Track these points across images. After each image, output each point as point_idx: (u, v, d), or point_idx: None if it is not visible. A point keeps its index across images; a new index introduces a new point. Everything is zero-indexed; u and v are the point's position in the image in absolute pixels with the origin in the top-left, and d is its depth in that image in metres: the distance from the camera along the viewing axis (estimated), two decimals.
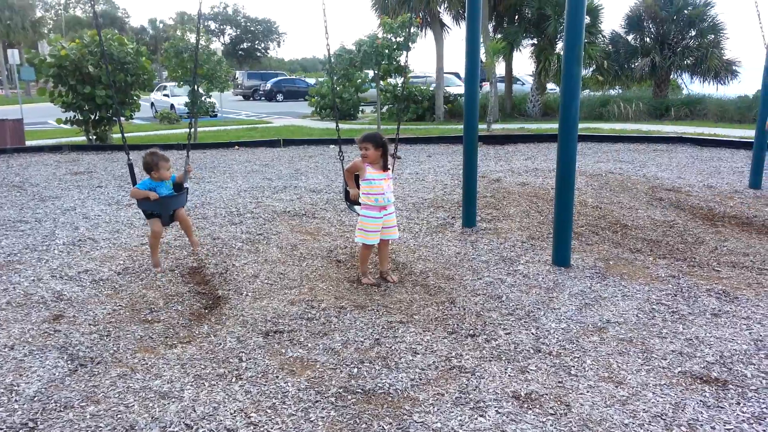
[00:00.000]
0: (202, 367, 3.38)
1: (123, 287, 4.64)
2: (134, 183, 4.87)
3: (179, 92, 22.79)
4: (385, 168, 4.60)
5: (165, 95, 25.42)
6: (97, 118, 12.83)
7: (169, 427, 2.79)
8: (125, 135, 4.98)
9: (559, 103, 4.88)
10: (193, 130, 5.16)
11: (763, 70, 7.86)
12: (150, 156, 4.75)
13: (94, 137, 13.09)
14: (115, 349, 3.63)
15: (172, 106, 23.52)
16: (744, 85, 19.39)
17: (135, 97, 13.25)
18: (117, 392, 3.11)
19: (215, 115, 21.93)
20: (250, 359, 3.47)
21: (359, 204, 4.75)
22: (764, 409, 2.92)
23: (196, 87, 14.06)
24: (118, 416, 2.89)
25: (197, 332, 3.88)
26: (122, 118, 13.43)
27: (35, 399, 3.04)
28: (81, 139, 13.43)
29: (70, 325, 3.93)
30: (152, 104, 25.97)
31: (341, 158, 5.27)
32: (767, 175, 8.45)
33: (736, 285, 4.59)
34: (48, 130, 17.29)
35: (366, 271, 4.77)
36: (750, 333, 3.74)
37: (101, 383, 3.20)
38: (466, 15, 6.00)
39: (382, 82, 17.33)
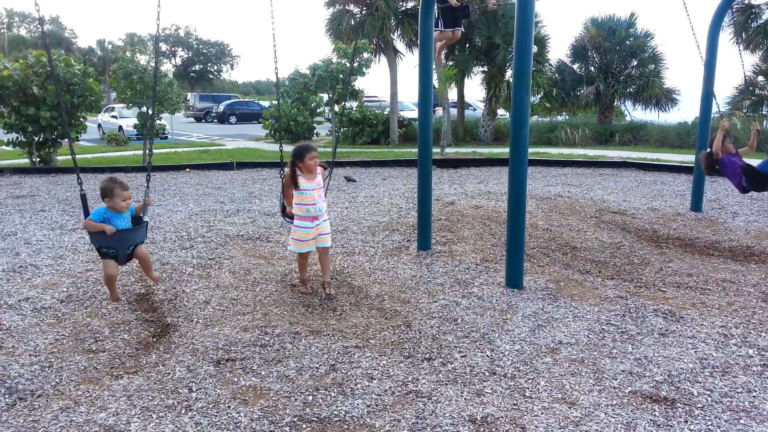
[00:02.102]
0: (150, 398, 3.26)
1: (66, 315, 4.45)
2: (87, 214, 4.32)
3: (128, 114, 22.29)
4: (294, 182, 4.73)
5: (113, 116, 24.84)
6: (41, 140, 12.41)
7: None
8: (75, 158, 4.55)
9: (510, 129, 5.00)
10: (149, 153, 4.87)
11: (700, 98, 8.26)
12: (109, 182, 4.29)
13: (38, 159, 12.63)
14: (57, 380, 3.46)
15: (120, 127, 22.99)
16: (683, 113, 20.37)
17: (82, 119, 12.89)
18: (59, 426, 2.96)
19: (165, 137, 21.55)
20: (200, 389, 3.36)
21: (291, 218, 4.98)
22: (710, 426, 3.00)
23: (153, 111, 13.81)
24: None
25: (145, 362, 3.74)
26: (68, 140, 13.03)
27: None
28: (24, 161, 12.94)
29: (9, 356, 3.74)
30: (99, 125, 25.32)
31: (282, 176, 5.15)
32: (707, 198, 8.83)
33: (681, 305, 4.74)
34: None
35: (304, 279, 5.01)
36: (695, 351, 3.86)
37: (42, 417, 3.04)
38: (419, 42, 6.11)
39: (336, 106, 17.41)
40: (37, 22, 62.24)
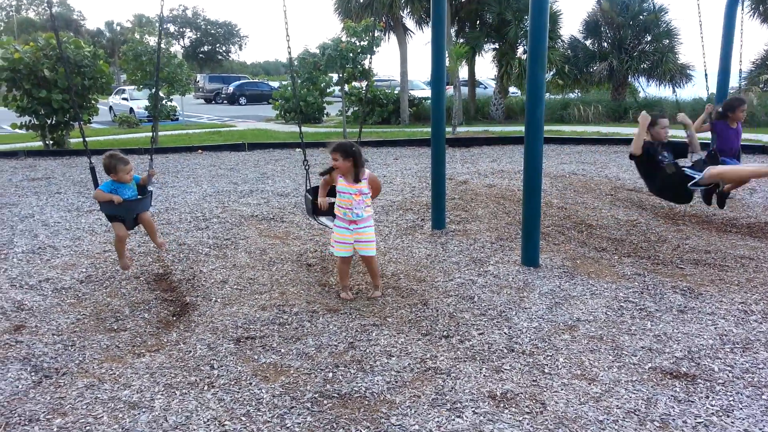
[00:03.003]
0: (173, 375, 3.30)
1: (86, 295, 4.50)
2: (96, 186, 4.68)
3: (138, 96, 22.31)
4: (357, 180, 4.27)
5: (124, 99, 24.86)
6: (53, 122, 12.45)
7: None
8: (86, 140, 4.78)
9: (525, 107, 4.94)
10: (155, 133, 5.02)
11: (717, 74, 8.13)
12: (108, 158, 4.58)
13: (51, 142, 12.70)
14: (80, 359, 3.51)
15: (131, 109, 23.02)
16: (698, 88, 20.03)
17: (93, 101, 12.91)
18: (85, 403, 3.01)
19: (176, 119, 21.56)
20: (222, 366, 3.40)
21: (325, 215, 4.66)
22: (732, 402, 3.00)
23: (156, 90, 13.81)
24: (87, 428, 2.79)
25: (166, 340, 3.79)
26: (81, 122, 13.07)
27: None
28: (37, 144, 13.01)
29: (33, 336, 3.79)
30: (111, 108, 25.36)
31: (306, 167, 5.04)
32: None
33: (700, 281, 4.72)
34: (1, 135, 16.69)
35: (345, 285, 4.51)
36: (715, 328, 3.84)
37: (68, 394, 3.09)
38: (431, 19, 6.03)
39: (346, 86, 17.30)
40: (45, 5, 62.23)
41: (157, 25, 4.65)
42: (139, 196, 4.75)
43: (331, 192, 4.56)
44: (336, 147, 4.27)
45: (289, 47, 5.30)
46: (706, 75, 7.36)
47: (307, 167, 5.05)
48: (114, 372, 3.34)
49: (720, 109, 6.66)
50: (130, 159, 4.70)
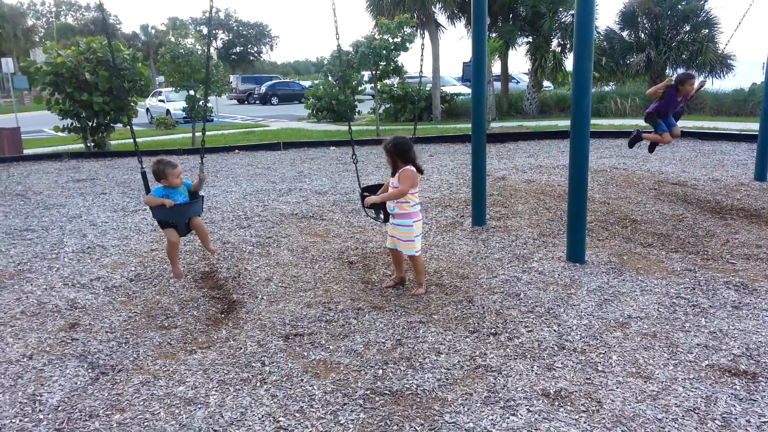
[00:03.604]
0: (225, 372, 3.35)
1: (136, 294, 4.60)
2: (147, 191, 4.58)
3: (174, 97, 22.71)
4: (392, 174, 4.38)
5: (160, 101, 25.33)
6: (94, 125, 12.76)
7: None
8: (136, 141, 4.80)
9: (571, 100, 4.86)
10: (202, 135, 5.04)
11: (766, 64, 7.88)
12: (157, 164, 4.48)
13: (93, 144, 13.01)
14: (134, 356, 3.59)
15: (168, 111, 23.43)
16: (739, 79, 19.46)
17: (133, 103, 13.19)
18: (141, 400, 3.07)
19: (211, 120, 21.87)
20: (272, 363, 3.43)
21: (376, 212, 4.69)
22: None
23: (193, 92, 14.01)
24: (145, 424, 2.85)
25: (216, 337, 3.84)
26: (121, 125, 13.35)
27: (59, 409, 2.99)
28: (79, 146, 13.35)
29: (87, 333, 3.89)
30: (147, 110, 25.87)
31: (355, 161, 5.17)
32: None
33: (753, 277, 4.58)
34: (44, 138, 17.18)
35: (396, 275, 4.65)
36: None
37: (125, 391, 3.16)
38: (472, 10, 5.97)
39: (379, 84, 17.29)
40: (81, 11, 63.74)
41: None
42: (190, 201, 4.63)
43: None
44: (384, 146, 4.40)
45: (339, 44, 5.30)
46: None
47: (355, 161, 5.16)
48: (168, 368, 3.41)
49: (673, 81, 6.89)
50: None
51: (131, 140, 4.75)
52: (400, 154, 4.30)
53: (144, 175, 4.56)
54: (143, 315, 4.21)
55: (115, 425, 2.85)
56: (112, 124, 12.95)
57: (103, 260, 5.37)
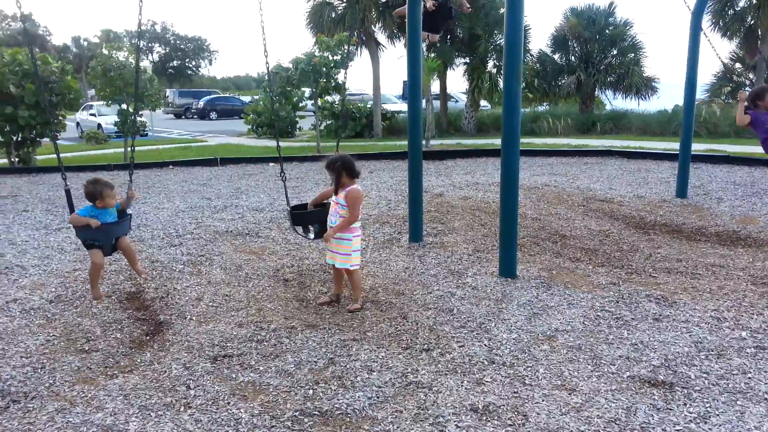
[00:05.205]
0: (147, 396, 3.21)
1: (56, 316, 4.37)
2: (72, 210, 4.39)
3: (107, 111, 21.97)
4: (335, 191, 4.41)
5: (92, 114, 24.44)
6: (19, 139, 12.18)
7: None
8: (60, 157, 4.56)
9: (502, 118, 4.99)
10: (131, 150, 4.88)
11: (684, 86, 8.33)
12: (93, 185, 4.31)
13: (17, 159, 12.40)
14: (51, 381, 3.40)
15: (99, 125, 22.64)
16: (663, 100, 20.55)
17: (61, 117, 12.67)
18: (55, 428, 2.91)
19: (145, 135, 21.26)
20: (198, 386, 3.32)
21: (304, 229, 4.78)
22: (708, 409, 3.04)
23: (126, 106, 13.58)
24: None
25: (140, 360, 3.69)
26: (47, 139, 12.79)
27: None
28: (2, 161, 12.70)
29: (0, 359, 3.66)
30: (78, 124, 24.91)
31: (283, 178, 5.14)
32: (692, 184, 8.92)
33: (673, 290, 4.79)
34: None
35: (335, 292, 4.66)
36: (690, 335, 3.89)
37: (37, 419, 2.99)
38: (407, 32, 6.07)
39: (319, 100, 17.28)
40: (8, 21, 61.01)
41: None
42: (117, 220, 4.49)
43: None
44: (327, 164, 4.45)
45: (267, 62, 5.27)
46: None
47: (284, 179, 5.12)
48: (86, 394, 3.24)
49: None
50: (98, 175, 4.52)
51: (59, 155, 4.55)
52: (348, 171, 4.35)
53: (68, 193, 4.38)
54: (62, 338, 4.01)
55: None
56: (38, 139, 12.41)
57: (22, 281, 5.08)
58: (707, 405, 3.07)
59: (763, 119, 6.16)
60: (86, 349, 3.86)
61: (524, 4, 4.81)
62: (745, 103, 6.30)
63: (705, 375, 3.38)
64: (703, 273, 5.25)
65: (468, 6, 9.48)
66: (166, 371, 3.50)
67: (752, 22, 20.09)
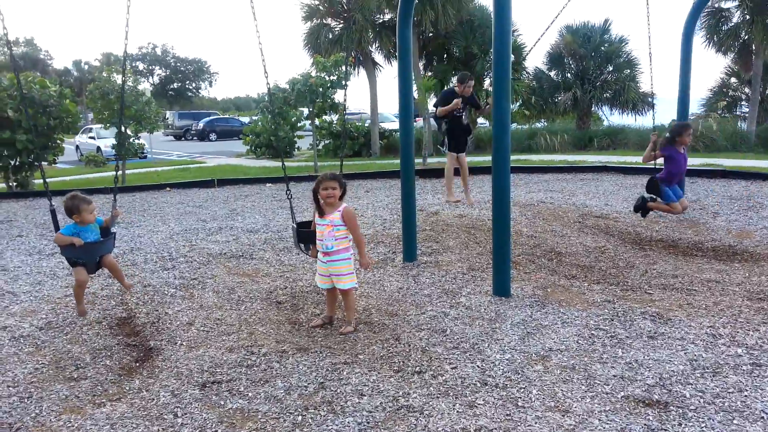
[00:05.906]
0: (134, 426, 3.16)
1: (46, 343, 4.33)
2: (57, 229, 4.58)
3: (106, 134, 22.09)
4: (320, 213, 4.39)
5: (91, 137, 24.62)
6: (17, 163, 12.21)
7: None
8: (47, 180, 4.70)
9: (492, 136, 4.99)
10: (120, 172, 4.93)
11: (677, 101, 8.37)
12: (70, 200, 4.50)
13: (15, 184, 12.43)
14: (37, 411, 3.35)
15: (98, 148, 22.77)
16: (659, 116, 20.62)
17: (59, 141, 12.72)
18: None
19: (144, 157, 21.34)
20: (186, 414, 3.27)
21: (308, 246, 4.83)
22: (704, 428, 2.98)
23: (123, 128, 13.63)
24: None
25: (128, 388, 3.64)
26: (44, 163, 12.82)
27: None
28: (1, 186, 12.72)
29: None
30: (77, 147, 25.04)
31: (289, 196, 5.25)
32: (687, 200, 8.89)
33: (669, 306, 4.75)
34: None
35: (328, 315, 4.63)
36: (685, 353, 3.84)
37: None
38: (397, 53, 6.11)
39: (317, 120, 17.37)
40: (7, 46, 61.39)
41: (123, 61, 4.64)
42: (101, 239, 4.62)
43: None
44: (329, 177, 4.38)
45: (267, 83, 5.36)
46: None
47: (290, 197, 5.24)
48: (72, 424, 3.19)
49: (668, 135, 7.13)
50: (95, 198, 4.63)
51: (58, 179, 4.68)
52: (344, 189, 4.40)
53: (53, 213, 4.55)
54: (51, 366, 3.96)
55: None
56: (35, 163, 12.45)
57: (12, 308, 5.05)
58: (703, 425, 3.02)
59: (676, 156, 6.95)
60: (75, 377, 3.82)
61: (510, 21, 4.82)
62: (661, 139, 7.04)
63: (700, 393, 3.33)
64: (698, 289, 5.21)
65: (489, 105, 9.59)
66: (154, 399, 3.45)
67: (746, 37, 20.23)
